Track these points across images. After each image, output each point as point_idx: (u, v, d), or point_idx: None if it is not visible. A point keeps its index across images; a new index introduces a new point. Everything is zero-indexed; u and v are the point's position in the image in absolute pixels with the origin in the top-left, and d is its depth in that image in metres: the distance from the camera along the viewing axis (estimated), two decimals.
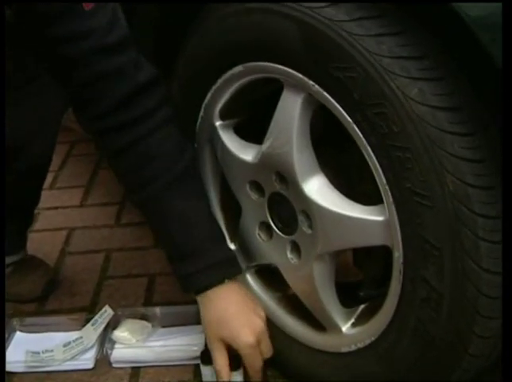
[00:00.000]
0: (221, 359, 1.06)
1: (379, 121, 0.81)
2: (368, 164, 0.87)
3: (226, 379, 1.07)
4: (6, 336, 1.30)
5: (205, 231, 1.06)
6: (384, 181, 0.84)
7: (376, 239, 0.90)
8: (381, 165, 0.84)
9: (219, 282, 1.04)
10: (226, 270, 1.06)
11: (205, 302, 1.07)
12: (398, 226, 0.85)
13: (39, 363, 1.23)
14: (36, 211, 1.76)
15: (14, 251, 1.45)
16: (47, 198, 1.86)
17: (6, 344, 1.29)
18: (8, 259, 1.44)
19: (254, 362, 1.05)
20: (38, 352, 1.24)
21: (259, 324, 1.05)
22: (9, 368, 1.24)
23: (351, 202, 0.93)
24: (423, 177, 0.78)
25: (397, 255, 0.87)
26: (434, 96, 0.77)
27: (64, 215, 1.79)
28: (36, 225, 1.74)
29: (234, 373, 1.12)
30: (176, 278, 1.10)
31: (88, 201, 1.85)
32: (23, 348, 1.26)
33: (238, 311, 1.05)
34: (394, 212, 0.85)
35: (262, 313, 1.07)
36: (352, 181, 0.97)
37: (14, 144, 1.21)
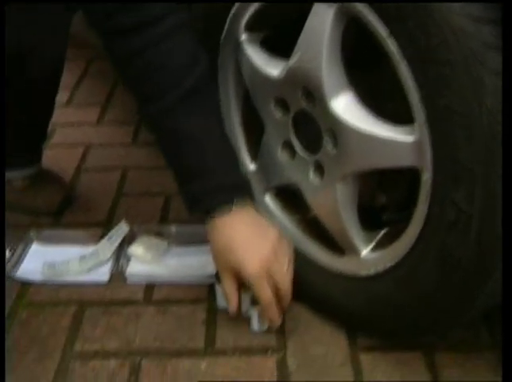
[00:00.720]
0: (230, 288, 1.05)
1: (417, 33, 0.76)
2: (401, 81, 0.83)
3: (234, 308, 1.06)
4: (23, 246, 1.31)
5: (216, 153, 1.02)
6: (418, 98, 0.80)
7: (404, 160, 0.87)
8: (416, 82, 0.80)
9: (226, 205, 1.01)
10: (234, 194, 1.02)
11: (213, 231, 1.04)
12: (430, 146, 0.82)
13: (55, 274, 1.24)
14: (51, 127, 1.75)
15: (29, 165, 1.44)
16: (63, 115, 1.84)
17: (23, 255, 1.29)
18: (23, 172, 1.43)
19: (262, 293, 1.01)
20: (54, 264, 1.24)
21: (267, 253, 1.01)
22: (26, 276, 1.24)
23: (380, 121, 0.90)
24: (461, 94, 0.75)
25: (426, 177, 0.84)
26: (478, 7, 0.72)
27: (81, 132, 1.76)
28: (52, 141, 1.72)
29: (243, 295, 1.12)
30: (182, 199, 1.07)
31: (105, 119, 1.82)
32: (40, 260, 1.26)
33: (245, 240, 1.01)
34: (426, 132, 0.81)
35: (278, 243, 1.03)
36: (382, 100, 0.93)
37: (26, 46, 1.16)
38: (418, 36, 0.76)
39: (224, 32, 1.08)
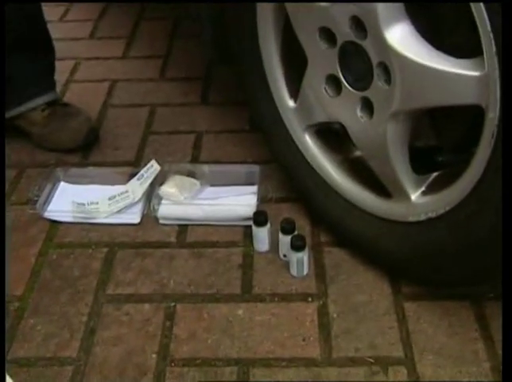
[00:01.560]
0: None
1: None
2: (466, 9, 0.74)
3: None
4: (51, 185, 1.26)
5: None
6: (489, 28, 0.72)
7: (468, 98, 0.79)
8: (487, 10, 0.71)
9: None
10: None
11: None
12: (498, 81, 0.74)
13: (84, 214, 1.19)
14: (75, 61, 1.68)
15: (43, 92, 1.38)
16: (87, 48, 1.77)
17: (51, 194, 1.25)
18: (37, 101, 1.37)
19: None
20: (83, 204, 1.20)
21: None
22: (55, 216, 1.21)
23: (441, 54, 0.81)
24: None
25: (492, 115, 0.77)
26: None
27: (106, 66, 1.69)
28: (77, 75, 1.66)
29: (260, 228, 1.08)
30: None
31: (131, 53, 1.75)
32: (68, 199, 1.22)
33: None
34: (496, 66, 0.73)
35: None
36: (443, 31, 0.84)
37: None
38: None
39: None
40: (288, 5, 1.00)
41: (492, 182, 0.80)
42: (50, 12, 1.93)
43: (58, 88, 1.53)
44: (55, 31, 1.79)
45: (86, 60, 1.71)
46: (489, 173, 0.80)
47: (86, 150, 1.38)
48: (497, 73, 0.74)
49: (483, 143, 0.80)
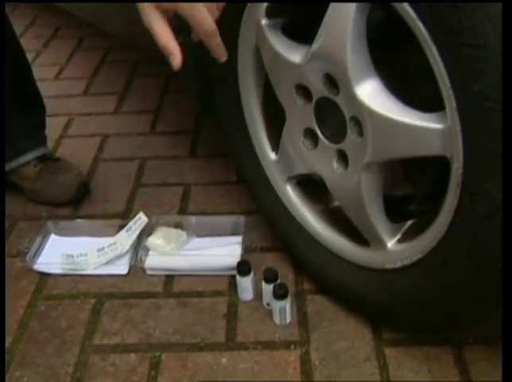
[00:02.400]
0: (161, 29, 0.84)
1: (448, 15, 0.72)
2: (429, 66, 0.79)
3: (171, 43, 0.85)
4: (41, 238, 1.29)
5: None
6: (449, 84, 0.77)
7: (434, 149, 0.83)
8: (446, 67, 0.76)
9: None
10: None
11: None
12: (461, 134, 0.78)
13: (73, 266, 1.22)
14: (69, 117, 1.74)
15: (33, 147, 1.44)
16: (80, 104, 1.83)
17: (42, 247, 1.28)
18: (28, 156, 1.43)
19: (204, 21, 0.84)
20: (73, 256, 1.23)
21: None
22: (45, 268, 1.24)
23: (408, 108, 0.86)
24: (495, 79, 0.71)
25: (457, 166, 0.80)
26: None
27: (98, 121, 1.75)
28: (70, 131, 1.71)
29: (244, 278, 1.11)
30: None
31: (123, 108, 1.80)
32: (58, 251, 1.25)
33: None
34: (457, 119, 0.77)
35: None
36: (410, 86, 0.89)
37: None
38: (449, 19, 0.72)
39: (243, 17, 1.04)
40: (267, 64, 1.05)
41: (461, 229, 0.84)
42: (45, 71, 2.02)
43: (51, 144, 1.58)
44: (50, 89, 1.87)
45: (79, 116, 1.76)
46: (457, 220, 0.84)
47: (76, 203, 1.42)
48: (458, 126, 0.78)
49: (450, 192, 0.84)
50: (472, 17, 0.70)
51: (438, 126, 0.81)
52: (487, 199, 0.77)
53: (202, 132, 1.67)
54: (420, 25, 0.77)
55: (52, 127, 1.63)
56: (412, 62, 0.86)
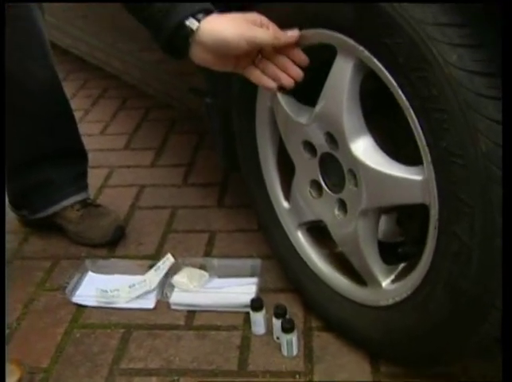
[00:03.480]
0: (255, 74, 1.06)
1: (421, 85, 0.86)
2: (411, 128, 0.93)
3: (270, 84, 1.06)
4: (80, 274, 1.45)
5: None
6: (424, 141, 0.90)
7: (415, 198, 0.96)
8: (421, 127, 0.90)
9: (205, 8, 1.02)
10: (204, 1, 1.04)
11: (203, 34, 1.00)
12: (435, 184, 0.91)
13: (106, 299, 1.37)
14: (110, 169, 1.92)
15: (76, 192, 1.61)
16: (121, 157, 2.01)
17: (80, 282, 1.43)
18: (72, 199, 1.60)
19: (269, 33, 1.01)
20: (106, 291, 1.38)
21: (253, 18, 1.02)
22: (81, 301, 1.39)
23: (394, 162, 0.99)
24: (458, 138, 0.84)
25: (434, 212, 0.93)
26: (472, 62, 0.82)
27: (136, 173, 1.92)
28: (110, 181, 1.89)
29: (257, 313, 1.21)
30: (153, 21, 1.03)
31: (159, 162, 1.98)
32: (94, 286, 1.40)
33: (234, 22, 1.01)
34: (432, 172, 0.90)
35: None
36: (397, 143, 1.03)
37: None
38: (421, 87, 0.86)
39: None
40: (280, 123, 1.20)
41: (439, 268, 0.95)
42: (92, 127, 2.22)
43: (93, 192, 1.76)
44: (95, 143, 2.07)
45: (119, 168, 1.94)
46: (436, 260, 0.96)
47: (113, 245, 1.57)
48: (433, 178, 0.91)
49: (430, 235, 0.96)
50: (438, 86, 0.84)
51: (418, 177, 0.94)
52: (457, 239, 0.89)
53: (229, 185, 1.82)
54: (400, 92, 0.91)
55: (95, 178, 1.82)
56: (398, 123, 1.00)
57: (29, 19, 1.42)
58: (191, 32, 1.00)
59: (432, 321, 1.00)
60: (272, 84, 1.06)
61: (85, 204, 1.61)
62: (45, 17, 1.50)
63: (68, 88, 2.44)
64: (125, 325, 1.32)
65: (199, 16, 1.01)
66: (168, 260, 1.43)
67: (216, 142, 1.45)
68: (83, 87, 2.61)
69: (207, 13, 1.02)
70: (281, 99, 1.16)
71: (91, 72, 2.62)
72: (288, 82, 1.05)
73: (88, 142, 1.71)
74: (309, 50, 1.06)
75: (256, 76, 1.06)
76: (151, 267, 1.43)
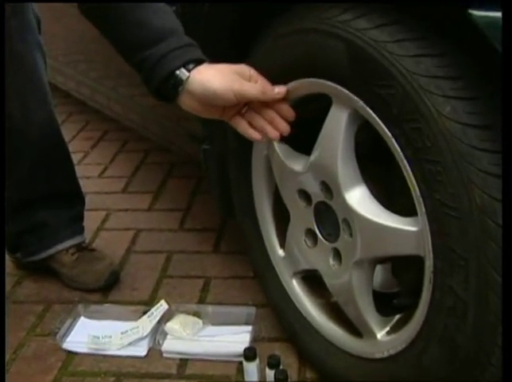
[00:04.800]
0: (242, 126, 1.07)
1: (414, 136, 0.86)
2: (405, 179, 0.92)
3: (257, 136, 1.07)
4: (72, 320, 1.43)
5: (172, 20, 1.06)
6: (418, 192, 0.89)
7: (410, 249, 0.95)
8: (415, 178, 0.89)
9: (199, 58, 1.04)
10: (195, 50, 1.05)
11: (192, 85, 1.02)
12: (429, 236, 0.90)
13: (98, 346, 1.34)
14: (106, 212, 1.91)
15: (71, 236, 1.60)
16: (119, 201, 2.01)
17: (71, 327, 1.41)
18: (67, 243, 1.59)
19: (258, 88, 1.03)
20: (98, 337, 1.36)
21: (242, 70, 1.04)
22: (72, 347, 1.36)
23: (389, 213, 0.99)
24: (452, 190, 0.83)
25: (428, 264, 0.92)
26: (466, 114, 0.82)
27: (133, 217, 1.91)
28: (107, 224, 1.88)
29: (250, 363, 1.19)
30: (142, 69, 1.04)
31: (156, 206, 1.97)
32: (86, 332, 1.38)
33: (223, 74, 1.02)
34: (426, 223, 0.89)
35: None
36: (392, 193, 1.03)
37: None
38: (414, 138, 0.86)
39: None
40: (275, 171, 1.20)
41: (433, 321, 0.93)
42: (91, 169, 2.23)
43: (89, 235, 1.75)
44: (93, 185, 2.07)
45: (116, 212, 1.94)
46: (430, 313, 0.94)
47: (107, 290, 1.56)
48: (427, 229, 0.90)
49: (425, 288, 0.95)
50: (431, 138, 0.84)
51: (413, 228, 0.93)
52: (452, 293, 0.88)
53: (226, 230, 1.81)
54: (394, 142, 0.91)
55: (92, 220, 1.81)
56: (393, 173, 1.00)
57: (30, 63, 1.43)
58: (181, 81, 1.02)
59: (427, 375, 0.98)
60: (258, 136, 1.07)
61: (80, 248, 1.60)
62: (47, 60, 1.51)
63: (69, 130, 2.47)
64: (115, 373, 1.29)
65: (190, 66, 1.03)
66: (161, 306, 1.41)
67: (213, 189, 1.44)
68: (84, 129, 2.62)
69: (198, 63, 1.04)
70: (277, 147, 1.16)
71: (92, 115, 2.64)
72: (274, 135, 1.07)
73: (86, 185, 1.71)
74: (305, 98, 1.07)
75: (242, 126, 1.08)
76: (144, 313, 1.41)
